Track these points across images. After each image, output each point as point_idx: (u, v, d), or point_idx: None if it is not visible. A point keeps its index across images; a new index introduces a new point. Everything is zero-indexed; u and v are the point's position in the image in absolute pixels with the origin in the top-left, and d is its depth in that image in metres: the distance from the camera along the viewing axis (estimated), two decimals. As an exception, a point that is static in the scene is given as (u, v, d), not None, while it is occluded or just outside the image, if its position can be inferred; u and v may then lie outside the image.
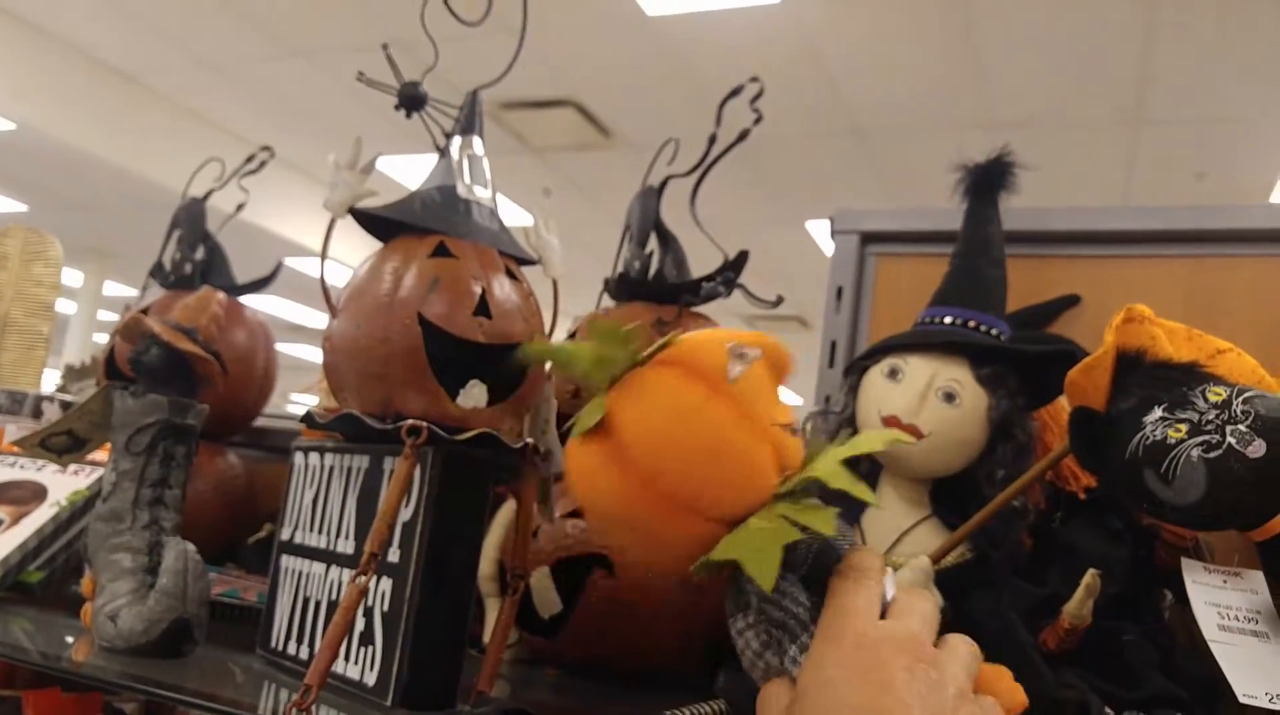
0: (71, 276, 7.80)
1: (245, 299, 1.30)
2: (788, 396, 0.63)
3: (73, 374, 2.16)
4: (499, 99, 4.94)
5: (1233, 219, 0.95)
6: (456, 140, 0.78)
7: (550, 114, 5.02)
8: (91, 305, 7.62)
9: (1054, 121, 4.42)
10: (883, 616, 0.48)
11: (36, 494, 1.06)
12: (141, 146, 5.57)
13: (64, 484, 1.07)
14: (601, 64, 4.44)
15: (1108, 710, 0.72)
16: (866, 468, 0.89)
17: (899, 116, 4.50)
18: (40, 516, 1.02)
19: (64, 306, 7.54)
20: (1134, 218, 0.99)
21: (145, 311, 1.17)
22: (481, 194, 0.77)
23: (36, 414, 1.43)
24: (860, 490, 0.48)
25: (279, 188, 5.38)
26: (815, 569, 0.51)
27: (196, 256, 1.22)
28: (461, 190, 0.76)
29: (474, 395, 0.70)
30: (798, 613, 0.49)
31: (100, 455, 0.93)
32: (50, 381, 2.23)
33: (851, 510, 0.87)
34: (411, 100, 0.75)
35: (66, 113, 5.45)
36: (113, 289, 7.85)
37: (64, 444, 0.87)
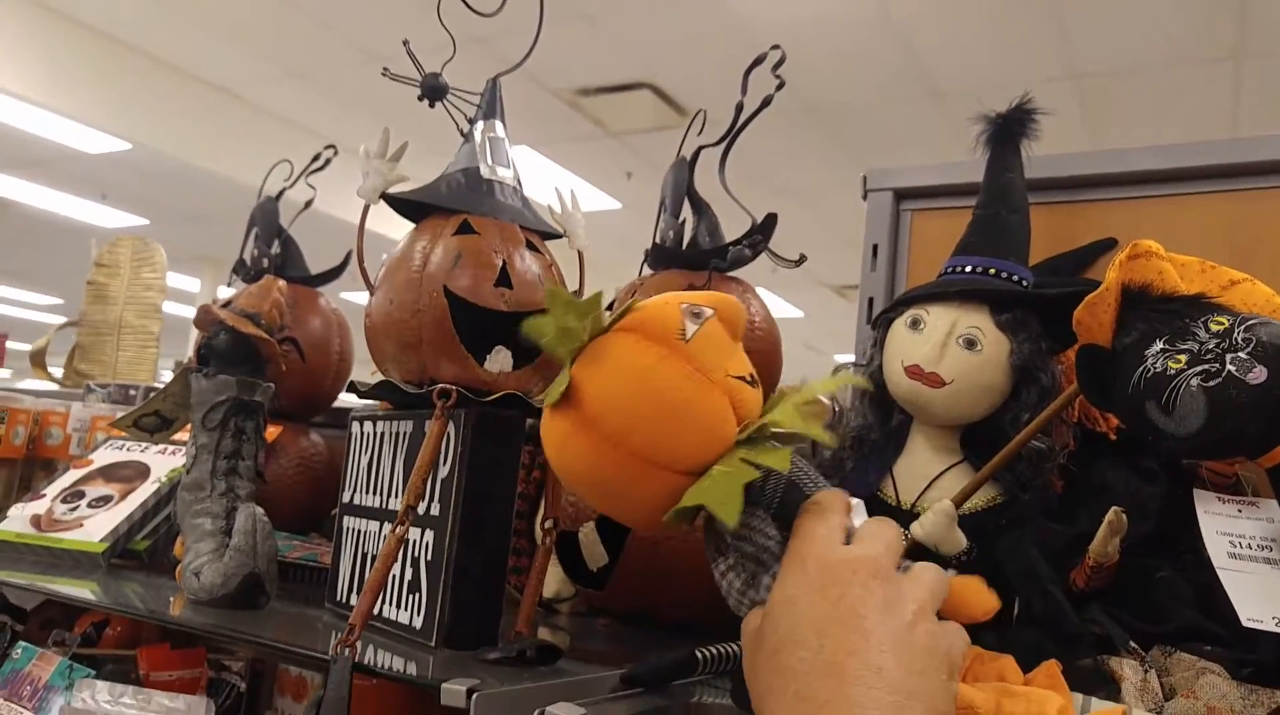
0: (190, 283, 8.27)
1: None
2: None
3: (182, 368, 2.31)
4: (576, 85, 5.02)
5: (1270, 150, 0.92)
6: (479, 125, 0.83)
7: (627, 97, 5.06)
8: (209, 310, 8.06)
9: (1146, 65, 4.23)
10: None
11: (141, 472, 1.17)
12: (242, 155, 5.86)
13: (163, 463, 1.18)
14: (674, 44, 4.46)
15: (1132, 644, 0.73)
16: (898, 417, 0.91)
17: (978, 75, 4.37)
18: (144, 492, 1.13)
19: (184, 311, 8.00)
20: (1167, 156, 0.97)
21: (228, 304, 1.26)
22: (504, 174, 0.82)
23: (148, 406, 1.55)
24: (813, 430, 0.51)
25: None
26: (783, 507, 0.54)
27: (272, 251, 1.30)
28: (485, 171, 0.81)
29: (499, 360, 0.76)
30: (769, 546, 0.53)
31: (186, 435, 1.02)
32: (166, 377, 2.40)
33: (883, 458, 0.89)
34: (433, 90, 0.80)
35: (174, 129, 5.79)
36: (227, 293, 8.29)
37: (154, 423, 0.96)
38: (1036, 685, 0.57)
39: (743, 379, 0.54)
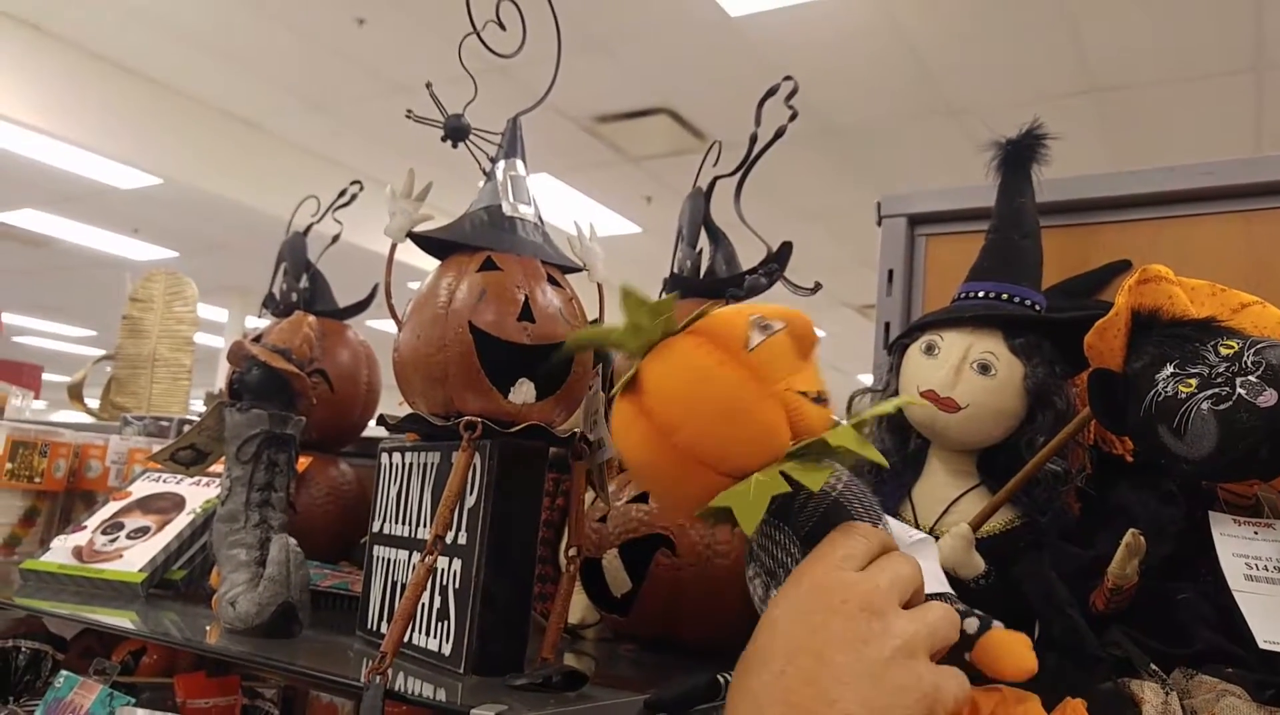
0: (218, 313, 8.38)
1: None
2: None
3: (213, 400, 2.36)
4: (594, 113, 5.08)
5: (1283, 170, 0.93)
6: (501, 164, 0.85)
7: (645, 123, 5.12)
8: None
9: (1164, 79, 4.22)
10: None
11: (177, 504, 1.20)
12: (268, 187, 5.97)
13: (198, 495, 1.21)
14: (690, 69, 4.51)
15: (1153, 666, 0.74)
16: (916, 442, 0.92)
17: (995, 93, 4.39)
18: (180, 523, 1.16)
19: (213, 341, 8.13)
20: (1181, 177, 0.98)
21: (258, 338, 1.30)
22: (525, 211, 0.84)
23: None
24: (869, 451, 0.52)
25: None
26: (821, 526, 0.54)
27: (301, 285, 1.34)
28: (507, 209, 0.83)
29: (523, 392, 0.78)
30: (786, 562, 0.53)
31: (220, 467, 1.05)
32: (197, 408, 2.45)
33: (902, 482, 0.91)
34: (456, 131, 0.83)
35: (203, 164, 5.91)
36: (255, 323, 8.42)
37: (190, 457, 0.99)
38: None
39: (806, 395, 0.54)
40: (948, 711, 0.46)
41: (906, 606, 0.49)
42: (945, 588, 0.57)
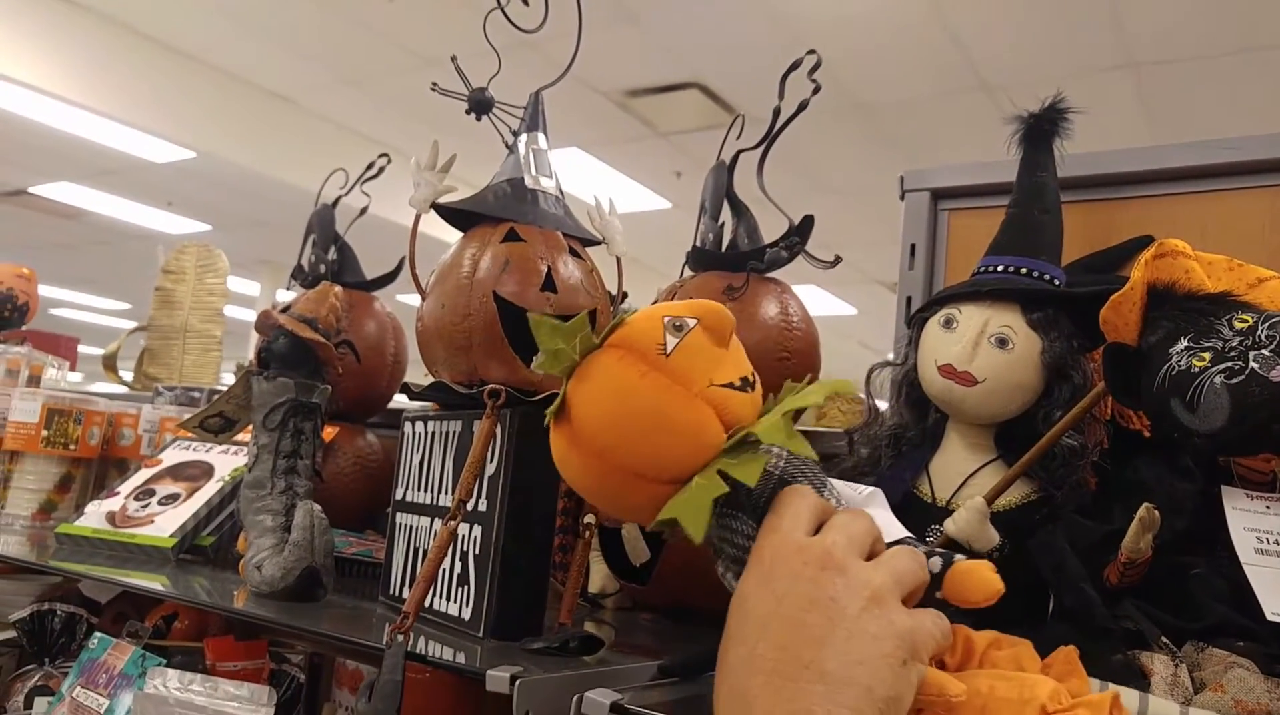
0: (249, 286, 8.48)
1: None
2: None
3: (243, 371, 2.39)
4: (624, 87, 5.05)
5: (1312, 145, 0.92)
6: (523, 137, 0.86)
7: (676, 97, 5.09)
8: (269, 313, 8.27)
9: (1204, 53, 4.13)
10: None
11: (206, 472, 1.23)
12: (299, 161, 6.02)
13: (227, 462, 1.24)
14: (722, 43, 4.47)
15: (1164, 639, 0.74)
16: (934, 416, 0.92)
17: (1029, 67, 4.31)
18: (209, 490, 1.19)
19: (244, 314, 8.22)
20: (1205, 153, 0.97)
21: (286, 309, 1.32)
22: (547, 184, 0.85)
23: (213, 408, 1.62)
24: (796, 443, 0.51)
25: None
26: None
27: (329, 257, 1.36)
28: (529, 182, 0.85)
29: (544, 361, 0.79)
30: (749, 547, 0.53)
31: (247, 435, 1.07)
32: (228, 380, 2.48)
33: (920, 456, 0.91)
34: (479, 105, 0.84)
35: (236, 138, 5.96)
36: (286, 296, 8.51)
37: (218, 424, 1.02)
38: (1054, 670, 0.58)
39: (731, 386, 0.55)
40: (930, 652, 0.47)
41: (869, 559, 0.49)
42: (903, 533, 0.58)
